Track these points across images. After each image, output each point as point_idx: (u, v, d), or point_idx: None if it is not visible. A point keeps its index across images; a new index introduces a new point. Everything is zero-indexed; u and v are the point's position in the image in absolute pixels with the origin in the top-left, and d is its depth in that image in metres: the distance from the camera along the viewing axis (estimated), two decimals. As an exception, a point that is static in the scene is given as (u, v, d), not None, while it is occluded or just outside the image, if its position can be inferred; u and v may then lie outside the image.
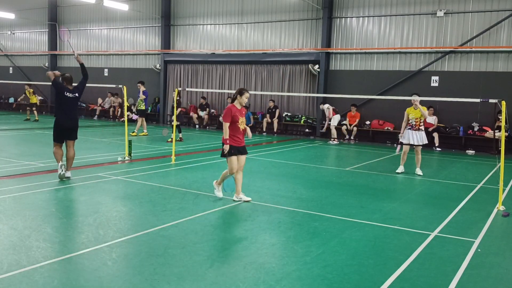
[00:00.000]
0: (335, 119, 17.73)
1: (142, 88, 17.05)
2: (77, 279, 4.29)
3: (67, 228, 5.76)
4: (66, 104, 8.68)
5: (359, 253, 5.26)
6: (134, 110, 18.48)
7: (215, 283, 4.30)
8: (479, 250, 5.51)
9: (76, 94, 8.81)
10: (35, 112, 21.64)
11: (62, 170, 8.52)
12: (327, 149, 15.46)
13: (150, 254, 5.01)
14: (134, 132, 16.83)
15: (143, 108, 17.17)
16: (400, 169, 10.83)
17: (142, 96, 16.99)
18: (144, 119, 17.25)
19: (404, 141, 10.67)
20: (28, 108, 21.91)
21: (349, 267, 4.81)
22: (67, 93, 8.68)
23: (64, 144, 8.86)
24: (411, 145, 10.64)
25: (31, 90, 21.97)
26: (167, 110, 22.99)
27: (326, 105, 17.93)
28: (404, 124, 10.70)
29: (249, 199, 7.47)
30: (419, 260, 5.08)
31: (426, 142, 10.74)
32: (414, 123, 10.51)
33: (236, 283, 4.34)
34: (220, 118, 7.56)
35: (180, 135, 15.69)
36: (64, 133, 8.76)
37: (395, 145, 12.12)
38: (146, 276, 4.43)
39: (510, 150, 13.98)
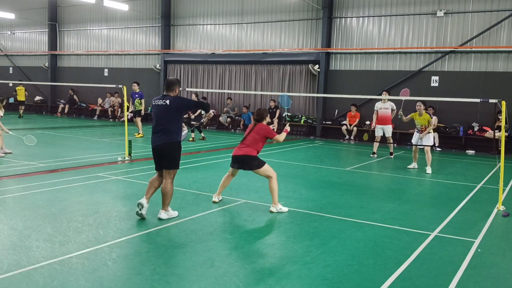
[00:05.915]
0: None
1: (137, 89, 16.57)
2: (77, 279, 4.28)
3: (67, 228, 5.76)
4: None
5: (359, 253, 5.26)
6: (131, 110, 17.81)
7: (215, 283, 4.30)
8: (479, 250, 5.51)
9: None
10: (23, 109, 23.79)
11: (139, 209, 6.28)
12: (327, 149, 15.46)
13: (150, 254, 5.01)
14: (140, 133, 16.40)
15: (141, 108, 16.98)
16: (412, 165, 11.55)
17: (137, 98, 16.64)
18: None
19: (413, 142, 11.41)
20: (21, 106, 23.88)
21: (349, 267, 4.81)
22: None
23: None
24: (418, 146, 11.44)
25: (23, 88, 23.90)
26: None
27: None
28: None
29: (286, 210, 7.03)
30: (419, 260, 5.08)
31: (431, 143, 11.39)
32: (420, 128, 11.16)
33: (236, 283, 4.34)
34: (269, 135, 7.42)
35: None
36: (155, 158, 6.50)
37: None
38: (146, 276, 4.43)
39: (510, 150, 13.96)
